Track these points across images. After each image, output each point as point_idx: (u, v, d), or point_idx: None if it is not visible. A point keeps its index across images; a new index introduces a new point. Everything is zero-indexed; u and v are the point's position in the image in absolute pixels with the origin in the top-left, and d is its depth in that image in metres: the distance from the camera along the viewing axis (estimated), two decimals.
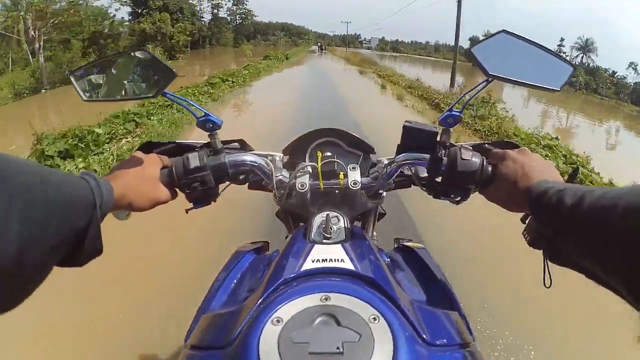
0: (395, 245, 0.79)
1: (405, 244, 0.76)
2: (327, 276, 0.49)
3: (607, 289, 0.37)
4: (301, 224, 0.81)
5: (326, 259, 0.52)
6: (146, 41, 24.99)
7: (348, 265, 0.51)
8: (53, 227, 0.33)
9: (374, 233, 0.91)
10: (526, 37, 0.60)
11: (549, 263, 0.48)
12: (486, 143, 0.67)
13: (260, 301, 0.45)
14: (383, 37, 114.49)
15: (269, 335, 0.38)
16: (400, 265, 0.69)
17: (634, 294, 0.33)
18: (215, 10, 51.61)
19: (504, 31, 0.60)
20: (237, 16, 57.28)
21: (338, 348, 0.36)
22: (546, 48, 0.59)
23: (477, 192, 0.62)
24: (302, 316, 0.40)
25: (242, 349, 0.38)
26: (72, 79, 0.61)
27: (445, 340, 0.45)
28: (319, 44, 58.23)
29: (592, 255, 0.38)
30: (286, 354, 0.36)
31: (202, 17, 47.56)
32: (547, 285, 0.51)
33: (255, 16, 60.70)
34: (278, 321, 0.39)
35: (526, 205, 0.48)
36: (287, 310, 0.41)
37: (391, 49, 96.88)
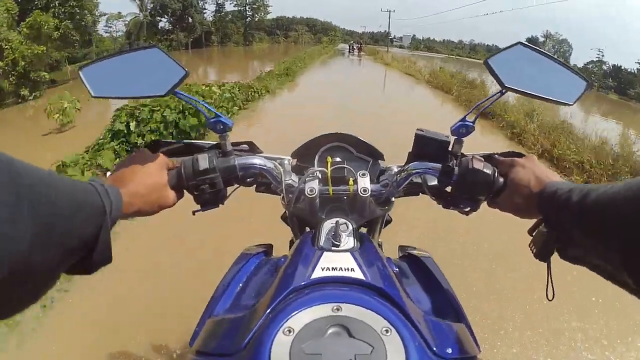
0: (400, 254, 0.85)
1: (411, 252, 0.82)
2: (337, 285, 0.53)
3: (615, 285, 0.44)
4: (307, 229, 0.88)
5: (336, 268, 0.56)
6: None
7: (358, 274, 0.55)
8: (62, 231, 0.36)
9: (380, 240, 0.97)
10: (542, 50, 0.67)
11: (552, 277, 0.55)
12: (495, 154, 0.74)
13: (270, 309, 0.49)
14: (414, 35, 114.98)
15: (281, 345, 0.41)
16: (407, 274, 0.75)
17: (633, 276, 0.39)
18: (219, 1, 46.84)
19: (520, 43, 0.67)
20: (247, 8, 52.84)
21: None
22: (561, 62, 0.67)
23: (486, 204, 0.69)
24: (313, 326, 0.44)
25: (253, 358, 0.41)
26: (81, 74, 0.65)
27: (454, 353, 0.48)
28: (351, 43, 44.10)
29: (596, 247, 0.44)
30: None
31: (205, 9, 42.78)
32: (550, 298, 0.57)
33: (269, 6, 55.75)
34: (289, 331, 0.43)
35: (537, 209, 0.56)
36: (298, 319, 0.45)
37: (425, 48, 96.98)
